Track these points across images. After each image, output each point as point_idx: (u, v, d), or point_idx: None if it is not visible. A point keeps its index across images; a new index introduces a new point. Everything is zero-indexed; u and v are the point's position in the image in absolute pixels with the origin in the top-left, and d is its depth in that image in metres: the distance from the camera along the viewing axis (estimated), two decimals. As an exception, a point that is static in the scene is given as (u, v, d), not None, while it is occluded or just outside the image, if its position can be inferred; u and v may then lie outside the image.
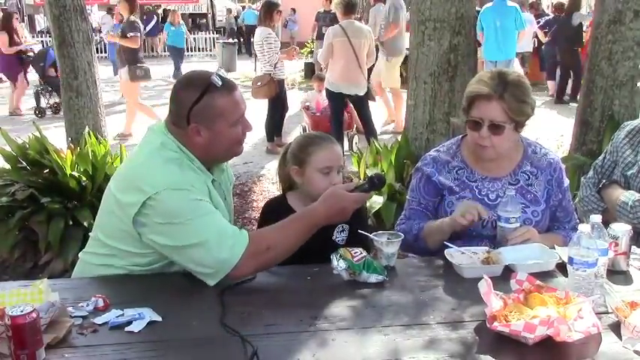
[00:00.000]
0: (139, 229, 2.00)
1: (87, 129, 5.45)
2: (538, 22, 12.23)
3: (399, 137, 5.46)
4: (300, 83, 13.84)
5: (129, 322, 1.74)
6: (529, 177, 2.47)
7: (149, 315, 1.77)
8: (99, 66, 6.21)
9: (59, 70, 5.90)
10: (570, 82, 11.27)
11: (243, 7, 28.68)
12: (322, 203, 2.06)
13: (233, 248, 1.95)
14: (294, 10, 22.17)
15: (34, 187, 4.39)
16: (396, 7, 8.58)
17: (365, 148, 5.95)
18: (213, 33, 24.65)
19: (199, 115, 2.04)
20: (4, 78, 15.98)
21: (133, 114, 8.88)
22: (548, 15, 12.85)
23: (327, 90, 7.42)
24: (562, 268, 2.05)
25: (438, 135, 4.84)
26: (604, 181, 2.65)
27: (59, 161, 4.54)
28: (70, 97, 5.72)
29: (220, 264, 1.94)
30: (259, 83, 7.64)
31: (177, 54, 14.32)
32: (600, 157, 2.77)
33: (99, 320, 1.76)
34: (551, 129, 7.78)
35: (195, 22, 28.00)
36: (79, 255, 2.28)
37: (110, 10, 19.82)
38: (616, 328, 1.70)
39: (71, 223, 4.31)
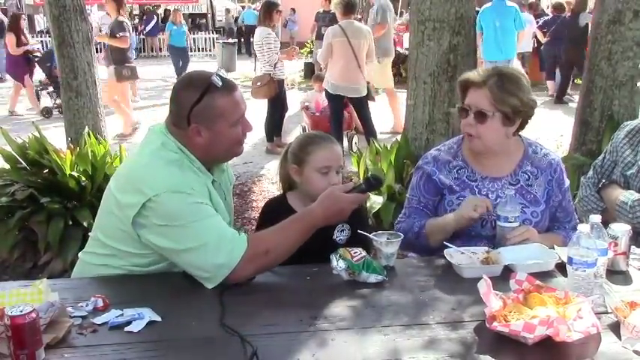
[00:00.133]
0: (139, 231, 2.00)
1: (86, 129, 5.45)
2: (537, 22, 12.23)
3: (399, 137, 5.46)
4: (299, 83, 13.84)
5: (128, 322, 1.74)
6: (529, 177, 2.47)
7: (148, 315, 1.77)
8: (98, 66, 6.21)
9: (58, 70, 5.89)
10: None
11: (243, 7, 28.69)
12: (320, 204, 2.06)
13: (232, 252, 1.95)
14: (293, 10, 22.17)
15: (33, 187, 4.39)
16: (384, 8, 8.60)
17: (365, 149, 5.95)
18: (212, 33, 24.65)
19: (200, 116, 2.04)
20: (4, 77, 16.03)
21: (125, 113, 8.93)
22: (547, 15, 12.84)
23: (326, 90, 7.42)
24: (561, 268, 2.05)
25: (437, 135, 4.83)
26: (604, 180, 2.65)
27: (59, 161, 4.54)
28: (70, 98, 5.71)
29: (219, 268, 1.95)
30: (259, 83, 7.64)
31: (178, 53, 14.29)
32: (600, 157, 2.77)
33: (98, 320, 1.76)
34: (550, 129, 7.78)
35: (195, 22, 27.99)
36: (79, 255, 2.28)
37: (110, 10, 19.80)
38: (615, 328, 1.70)
39: (71, 223, 4.31)
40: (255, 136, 8.17)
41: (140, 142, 2.19)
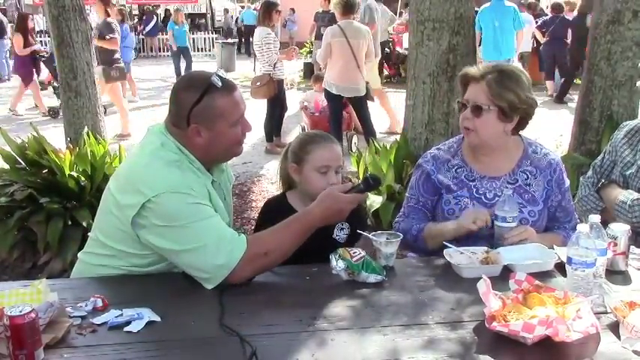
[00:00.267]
0: (138, 231, 2.00)
1: (86, 129, 5.45)
2: (536, 22, 12.23)
3: (398, 137, 5.47)
4: (299, 83, 13.84)
5: (128, 322, 1.74)
6: (528, 177, 2.47)
7: (148, 315, 1.77)
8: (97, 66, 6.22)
9: (58, 70, 5.89)
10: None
11: (242, 7, 28.70)
12: (318, 205, 2.06)
13: (231, 253, 1.95)
14: (293, 10, 22.17)
15: (32, 188, 4.39)
16: (371, 8, 8.62)
17: (364, 149, 5.95)
18: (212, 33, 24.65)
19: (199, 116, 2.04)
20: (4, 77, 16.02)
21: (124, 112, 8.94)
22: (546, 15, 12.85)
23: (325, 90, 7.42)
24: (561, 268, 2.05)
25: (437, 135, 4.83)
26: (603, 180, 2.65)
27: (58, 161, 4.54)
28: (69, 98, 5.71)
29: (218, 269, 1.95)
30: (258, 83, 7.64)
31: (180, 53, 14.27)
32: (599, 157, 2.77)
33: (98, 320, 1.76)
34: (550, 129, 7.79)
35: (194, 22, 27.99)
36: (78, 255, 2.28)
37: (109, 10, 19.78)
38: (615, 328, 1.70)
39: (70, 223, 4.31)
40: (255, 136, 8.17)
41: (139, 143, 2.19)
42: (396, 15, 14.62)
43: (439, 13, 4.72)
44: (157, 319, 1.77)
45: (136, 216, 1.97)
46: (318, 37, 11.59)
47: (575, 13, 11.61)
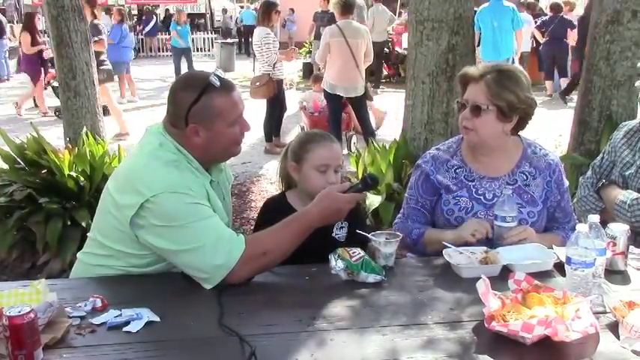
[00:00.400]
0: (136, 231, 2.00)
1: (85, 129, 5.45)
2: (535, 22, 12.23)
3: (397, 137, 5.47)
4: (298, 83, 13.84)
5: (127, 323, 1.74)
6: (527, 177, 2.47)
7: (147, 315, 1.77)
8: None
9: (57, 70, 5.89)
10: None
11: (242, 7, 28.70)
12: (316, 205, 2.06)
13: (230, 253, 1.95)
14: (292, 10, 22.16)
15: (32, 188, 4.39)
16: (360, 6, 8.62)
17: (363, 149, 5.95)
18: (211, 33, 24.64)
19: (198, 116, 2.04)
20: (4, 77, 16.01)
21: (117, 112, 8.96)
22: (546, 15, 12.86)
23: (324, 90, 7.43)
24: (560, 268, 2.05)
25: (436, 135, 4.83)
26: (603, 180, 2.65)
27: (57, 161, 4.54)
28: (68, 98, 5.71)
29: (217, 269, 1.94)
30: (258, 83, 7.64)
31: (183, 53, 14.24)
32: (598, 157, 2.77)
33: (97, 320, 1.76)
34: (549, 129, 7.79)
35: (194, 23, 27.96)
36: (77, 255, 2.27)
37: (109, 10, 19.78)
38: (614, 327, 1.70)
39: (69, 223, 4.31)
40: (254, 136, 8.18)
41: (138, 143, 2.19)
42: (395, 15, 14.64)
43: (438, 13, 4.72)
44: (156, 319, 1.77)
45: (134, 216, 1.97)
46: (318, 37, 11.60)
47: (575, 13, 11.61)
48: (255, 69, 9.93)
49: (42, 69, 10.91)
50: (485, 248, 2.20)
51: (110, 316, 1.77)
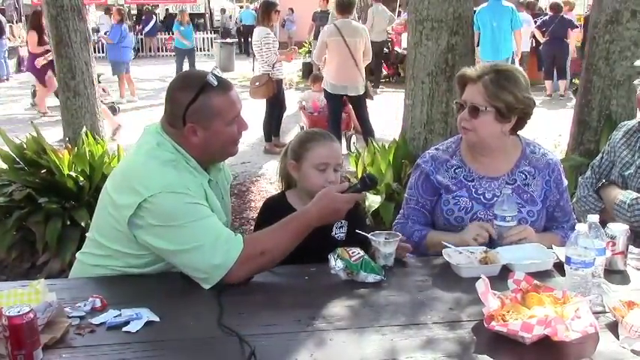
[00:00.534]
0: (135, 231, 1.99)
1: (84, 129, 5.45)
2: (535, 22, 12.24)
3: (397, 137, 5.47)
4: (297, 83, 13.84)
5: (126, 323, 1.74)
6: (526, 177, 2.47)
7: (146, 315, 1.77)
8: (96, 66, 6.21)
9: (56, 70, 5.89)
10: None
11: (241, 7, 28.70)
12: (315, 204, 2.06)
13: (228, 253, 1.95)
14: (292, 9, 22.16)
15: (31, 188, 4.39)
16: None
17: (363, 148, 5.95)
18: (210, 33, 24.63)
19: (195, 115, 2.04)
20: (3, 77, 16.00)
21: (104, 112, 8.98)
22: (546, 15, 12.86)
23: (325, 90, 7.43)
24: (559, 267, 2.05)
25: (435, 135, 4.84)
26: (603, 180, 2.65)
27: (57, 161, 4.54)
28: (68, 97, 5.71)
29: (215, 269, 1.94)
30: (257, 83, 7.64)
31: (186, 53, 14.22)
32: (598, 157, 2.77)
33: (96, 320, 1.75)
34: (548, 128, 7.80)
35: (193, 22, 27.93)
36: (76, 255, 2.27)
37: (108, 10, 19.79)
38: (613, 327, 1.70)
39: (69, 223, 4.31)
40: (254, 136, 8.18)
41: (136, 143, 2.19)
42: (394, 15, 14.64)
43: (438, 13, 4.72)
44: (156, 319, 1.77)
45: (132, 216, 1.97)
46: (317, 36, 11.59)
47: (574, 12, 11.61)
48: (255, 69, 9.93)
49: (49, 69, 10.86)
50: (484, 248, 2.20)
51: (109, 316, 1.77)
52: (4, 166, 4.66)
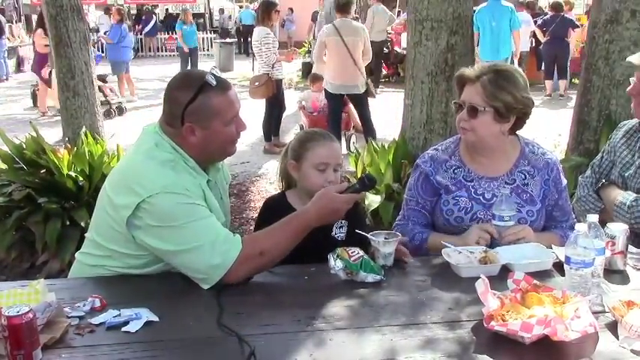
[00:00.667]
0: (133, 232, 1.99)
1: (84, 129, 5.44)
2: (535, 22, 12.23)
3: (397, 137, 5.47)
4: (297, 83, 13.84)
5: (126, 323, 1.74)
6: (525, 176, 2.47)
7: (146, 315, 1.77)
8: (96, 66, 6.21)
9: (55, 70, 5.88)
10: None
11: (241, 7, 28.70)
12: (314, 204, 2.06)
13: (227, 253, 1.95)
14: (291, 9, 22.17)
15: (31, 187, 4.38)
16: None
17: (363, 148, 5.95)
18: (210, 33, 24.63)
19: (194, 115, 2.03)
20: (3, 77, 15.99)
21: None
22: (545, 14, 12.86)
23: (325, 90, 7.43)
24: (559, 267, 2.05)
25: (435, 135, 4.83)
26: (603, 180, 2.65)
27: (56, 161, 4.53)
28: (67, 97, 5.71)
29: (214, 269, 1.94)
30: (257, 83, 7.64)
31: (189, 53, 14.18)
32: (598, 157, 2.77)
33: (96, 320, 1.76)
34: (548, 128, 7.80)
35: (193, 22, 27.96)
36: (75, 255, 2.27)
37: (108, 10, 19.77)
38: (613, 327, 1.70)
39: (68, 223, 4.30)
40: (253, 136, 8.18)
41: (135, 143, 2.19)
42: (394, 14, 14.64)
43: (437, 13, 4.72)
44: (155, 319, 1.77)
45: (131, 216, 1.96)
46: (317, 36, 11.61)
47: (573, 12, 11.61)
48: (255, 69, 9.92)
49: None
50: (484, 248, 2.20)
51: (109, 316, 1.77)
52: (4, 166, 4.66)
